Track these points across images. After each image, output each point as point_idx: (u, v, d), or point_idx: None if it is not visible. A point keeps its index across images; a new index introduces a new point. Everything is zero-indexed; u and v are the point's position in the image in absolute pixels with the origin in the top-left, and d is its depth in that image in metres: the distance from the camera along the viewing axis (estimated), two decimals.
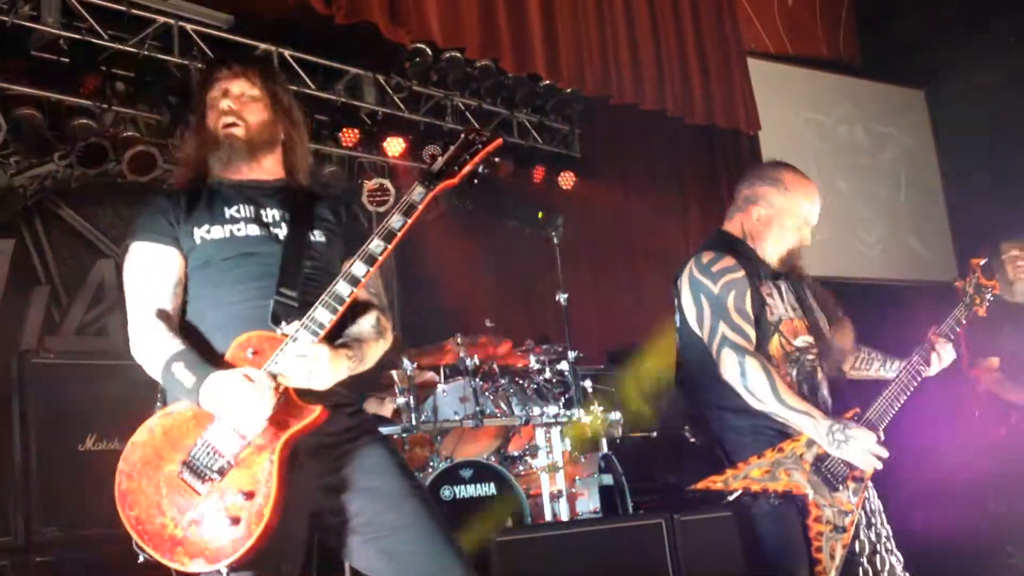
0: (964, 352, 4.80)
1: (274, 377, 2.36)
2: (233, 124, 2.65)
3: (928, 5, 8.22)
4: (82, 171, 6.54)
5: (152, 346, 2.45)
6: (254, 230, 2.58)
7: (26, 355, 4.56)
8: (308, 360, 2.36)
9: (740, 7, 8.00)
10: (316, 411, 2.37)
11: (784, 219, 3.25)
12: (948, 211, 8.61)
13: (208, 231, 2.56)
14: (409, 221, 2.46)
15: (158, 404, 2.50)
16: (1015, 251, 4.99)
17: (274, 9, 6.46)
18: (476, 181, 2.57)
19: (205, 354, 2.46)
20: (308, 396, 2.41)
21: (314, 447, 2.47)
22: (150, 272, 2.55)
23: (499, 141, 2.59)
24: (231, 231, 2.56)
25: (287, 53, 7.07)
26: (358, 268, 2.43)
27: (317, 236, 2.64)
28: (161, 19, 6.48)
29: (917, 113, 8.85)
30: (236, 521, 2.30)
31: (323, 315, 2.40)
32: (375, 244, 2.44)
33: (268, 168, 2.73)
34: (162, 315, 2.50)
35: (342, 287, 2.42)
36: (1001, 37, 7.95)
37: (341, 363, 2.45)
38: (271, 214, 2.63)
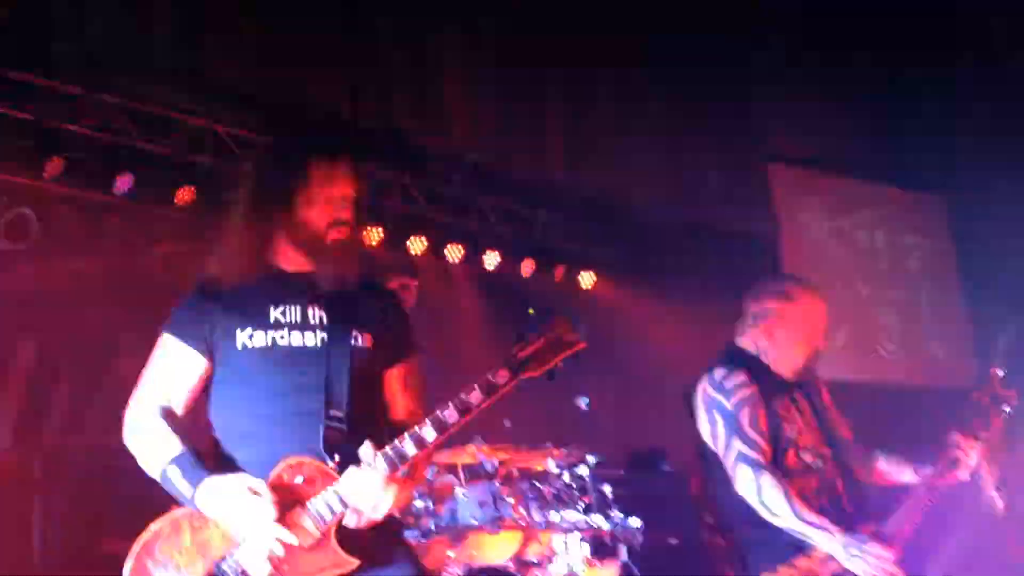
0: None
1: (330, 513, 2.36)
2: (345, 230, 2.58)
3: (951, 113, 8.34)
4: (111, 267, 6.65)
5: (151, 446, 2.45)
6: (297, 338, 2.52)
7: (50, 452, 4.57)
8: (375, 496, 2.36)
9: (762, 113, 8.14)
10: (353, 564, 2.36)
11: (795, 330, 3.31)
12: (968, 317, 8.59)
13: (251, 336, 2.50)
14: (487, 402, 2.48)
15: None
16: None
17: (303, 111, 6.63)
18: (553, 378, 2.58)
19: (227, 461, 2.45)
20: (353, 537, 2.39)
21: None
22: (168, 368, 2.54)
23: (583, 344, 2.59)
24: (274, 339, 2.51)
25: None
26: (428, 432, 2.41)
27: (361, 341, 2.58)
28: (194, 121, 6.65)
29: (939, 219, 8.90)
30: None
31: (381, 466, 2.38)
32: (449, 413, 2.44)
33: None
34: (167, 413, 2.50)
35: (408, 446, 2.40)
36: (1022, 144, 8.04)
37: (407, 495, 2.48)
38: (318, 315, 2.56)
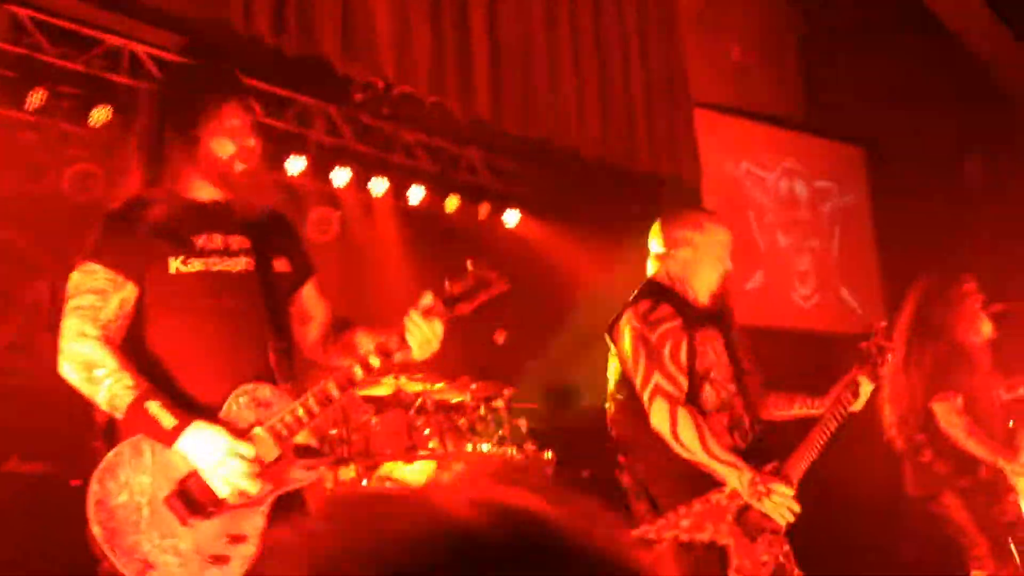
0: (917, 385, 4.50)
1: (279, 435, 2.45)
2: (252, 157, 2.64)
3: (873, 65, 8.46)
4: (23, 187, 6.47)
5: (111, 379, 2.40)
6: (226, 263, 2.57)
7: None
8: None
9: (688, 58, 8.16)
10: (313, 475, 2.50)
11: (708, 253, 3.41)
12: (880, 266, 8.81)
13: (183, 261, 2.52)
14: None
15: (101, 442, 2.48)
16: (974, 285, 4.64)
17: (225, 35, 6.47)
18: (477, 312, 2.74)
19: (169, 389, 2.46)
20: (308, 454, 2.54)
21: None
22: (99, 296, 2.48)
23: (506, 287, 2.74)
24: (207, 264, 2.54)
25: None
26: (374, 360, 2.55)
27: (281, 265, 2.68)
28: (111, 39, 6.46)
29: (856, 170, 9.06)
30: (218, 561, 2.33)
31: (334, 392, 2.53)
32: (393, 341, 2.58)
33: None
34: (113, 343, 2.47)
35: (357, 372, 2.54)
36: (941, 98, 8.22)
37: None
38: (237, 241, 2.61)
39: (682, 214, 3.59)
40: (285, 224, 2.84)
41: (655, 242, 3.50)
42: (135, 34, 6.60)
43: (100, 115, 6.36)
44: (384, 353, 2.53)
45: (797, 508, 3.14)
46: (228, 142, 2.60)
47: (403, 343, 2.55)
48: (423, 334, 2.54)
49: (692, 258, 3.41)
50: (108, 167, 6.47)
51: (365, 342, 2.65)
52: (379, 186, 7.91)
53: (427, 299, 2.57)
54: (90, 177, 6.35)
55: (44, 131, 6.34)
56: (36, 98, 6.16)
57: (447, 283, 2.61)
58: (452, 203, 8.25)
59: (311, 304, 2.81)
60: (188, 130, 2.59)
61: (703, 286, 3.41)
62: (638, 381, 3.21)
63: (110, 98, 6.40)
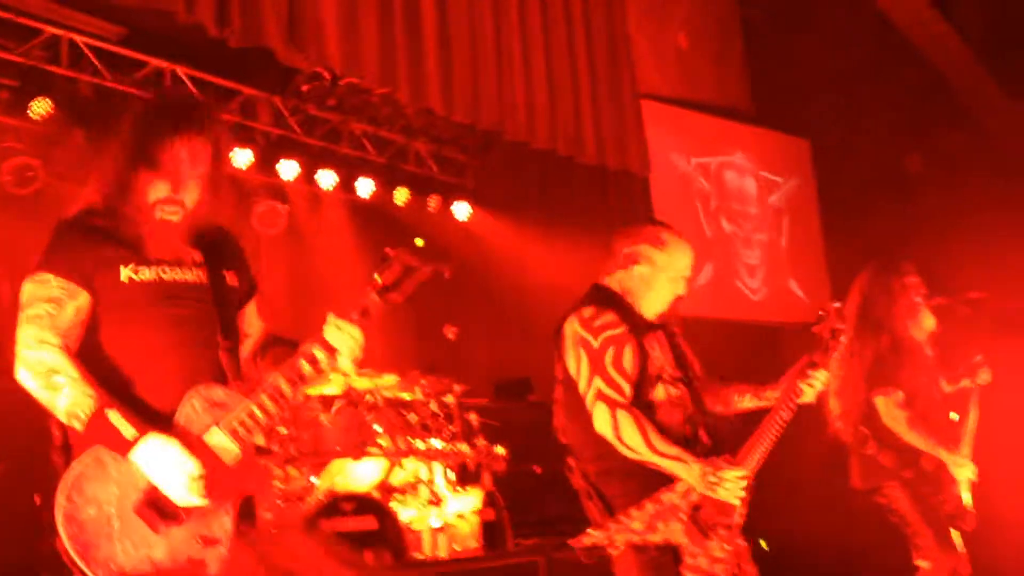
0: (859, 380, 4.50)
1: (237, 434, 2.47)
2: (175, 212, 2.58)
3: (818, 56, 8.54)
4: None
5: (72, 388, 2.41)
6: (179, 273, 2.60)
7: None
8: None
9: (636, 49, 8.15)
10: (272, 474, 2.53)
11: (664, 276, 3.38)
12: (826, 257, 8.90)
13: (136, 270, 2.54)
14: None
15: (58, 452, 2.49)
16: (916, 278, 4.65)
17: (168, 25, 6.35)
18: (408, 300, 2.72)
19: (124, 396, 2.46)
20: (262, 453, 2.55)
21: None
22: (56, 304, 2.49)
23: (428, 273, 2.70)
24: (158, 273, 2.56)
25: (180, 70, 6.94)
26: (319, 352, 2.53)
27: (230, 279, 2.72)
28: (50, 29, 6.31)
29: (802, 161, 9.14)
30: (194, 565, 2.37)
31: (285, 388, 2.52)
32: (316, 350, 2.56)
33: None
34: (69, 352, 2.46)
35: (304, 365, 2.52)
36: (886, 90, 8.32)
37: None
38: (191, 254, 2.64)
39: (646, 229, 3.51)
40: (233, 243, 2.84)
41: (614, 250, 3.45)
42: (75, 24, 6.45)
43: (40, 107, 6.21)
44: (326, 347, 2.53)
45: (743, 493, 3.13)
46: (164, 185, 2.55)
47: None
48: (345, 338, 2.54)
49: (648, 276, 3.38)
50: (47, 159, 6.33)
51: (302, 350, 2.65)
52: (327, 179, 7.82)
53: (332, 316, 2.57)
54: (29, 170, 6.21)
55: None
56: None
57: (375, 275, 2.60)
58: (402, 196, 8.20)
59: (250, 322, 2.83)
60: (145, 154, 2.55)
61: (652, 305, 3.38)
62: (581, 386, 3.22)
63: (49, 90, 6.26)
